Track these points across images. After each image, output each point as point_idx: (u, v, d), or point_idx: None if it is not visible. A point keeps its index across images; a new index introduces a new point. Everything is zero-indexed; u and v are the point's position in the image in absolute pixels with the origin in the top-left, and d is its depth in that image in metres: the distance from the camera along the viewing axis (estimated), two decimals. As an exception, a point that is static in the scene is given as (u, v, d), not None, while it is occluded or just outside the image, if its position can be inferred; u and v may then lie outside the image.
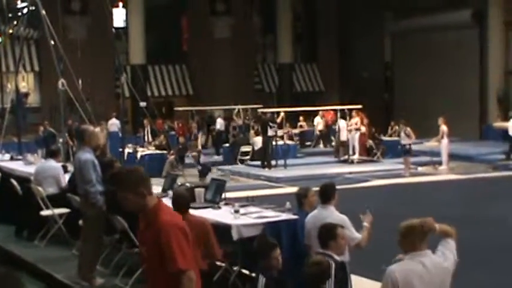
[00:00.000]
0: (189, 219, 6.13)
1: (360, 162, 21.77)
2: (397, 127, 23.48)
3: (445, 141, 20.64)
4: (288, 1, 33.65)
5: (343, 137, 22.90)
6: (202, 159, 20.37)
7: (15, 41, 27.09)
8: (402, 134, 20.59)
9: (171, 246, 3.96)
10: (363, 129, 22.44)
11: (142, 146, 22.01)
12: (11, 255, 9.11)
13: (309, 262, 5.12)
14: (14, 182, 10.70)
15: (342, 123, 23.07)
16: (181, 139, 22.36)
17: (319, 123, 26.16)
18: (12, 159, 13.44)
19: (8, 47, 28.63)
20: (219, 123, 26.15)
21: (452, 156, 21.30)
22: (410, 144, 20.09)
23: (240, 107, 27.80)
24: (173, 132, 25.54)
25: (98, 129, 20.27)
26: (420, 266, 4.35)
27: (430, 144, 21.68)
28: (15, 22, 24.04)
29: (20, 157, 13.33)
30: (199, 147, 22.21)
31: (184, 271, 3.98)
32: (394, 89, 33.69)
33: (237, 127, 26.40)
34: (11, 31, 26.34)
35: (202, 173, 18.48)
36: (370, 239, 6.47)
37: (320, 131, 26.14)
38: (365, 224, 6.44)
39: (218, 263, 7.18)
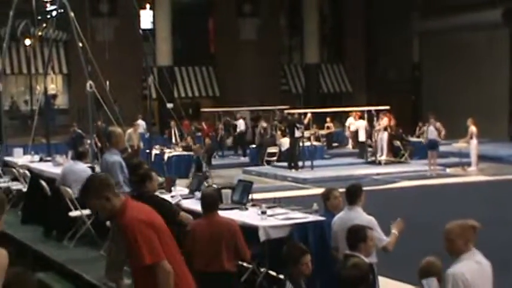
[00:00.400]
0: (217, 220, 6.13)
1: (388, 163, 21.61)
2: (424, 128, 23.21)
3: (474, 142, 20.39)
4: (315, 2, 33.54)
5: (362, 137, 22.77)
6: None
7: (44, 43, 27.42)
8: (431, 128, 20.27)
9: (137, 242, 4.00)
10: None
11: (170, 147, 22.09)
12: (40, 255, 9.20)
13: (347, 264, 5.04)
14: (43, 183, 10.80)
15: (360, 123, 22.90)
16: (207, 140, 22.39)
17: (351, 123, 25.92)
18: (41, 160, 13.59)
19: (37, 49, 29.01)
20: (241, 124, 26.10)
21: (482, 158, 21.04)
22: (437, 141, 19.80)
23: (272, 107, 27.61)
24: (199, 134, 25.58)
25: (131, 130, 20.48)
26: (478, 266, 4.46)
27: (459, 145, 21.40)
28: (44, 24, 24.30)
29: (49, 158, 13.47)
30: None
31: (157, 264, 4.00)
32: (422, 90, 33.36)
33: (263, 128, 26.28)
34: (40, 33, 26.63)
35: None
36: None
37: (352, 131, 25.89)
38: (394, 231, 6.31)
39: (245, 264, 7.17)
